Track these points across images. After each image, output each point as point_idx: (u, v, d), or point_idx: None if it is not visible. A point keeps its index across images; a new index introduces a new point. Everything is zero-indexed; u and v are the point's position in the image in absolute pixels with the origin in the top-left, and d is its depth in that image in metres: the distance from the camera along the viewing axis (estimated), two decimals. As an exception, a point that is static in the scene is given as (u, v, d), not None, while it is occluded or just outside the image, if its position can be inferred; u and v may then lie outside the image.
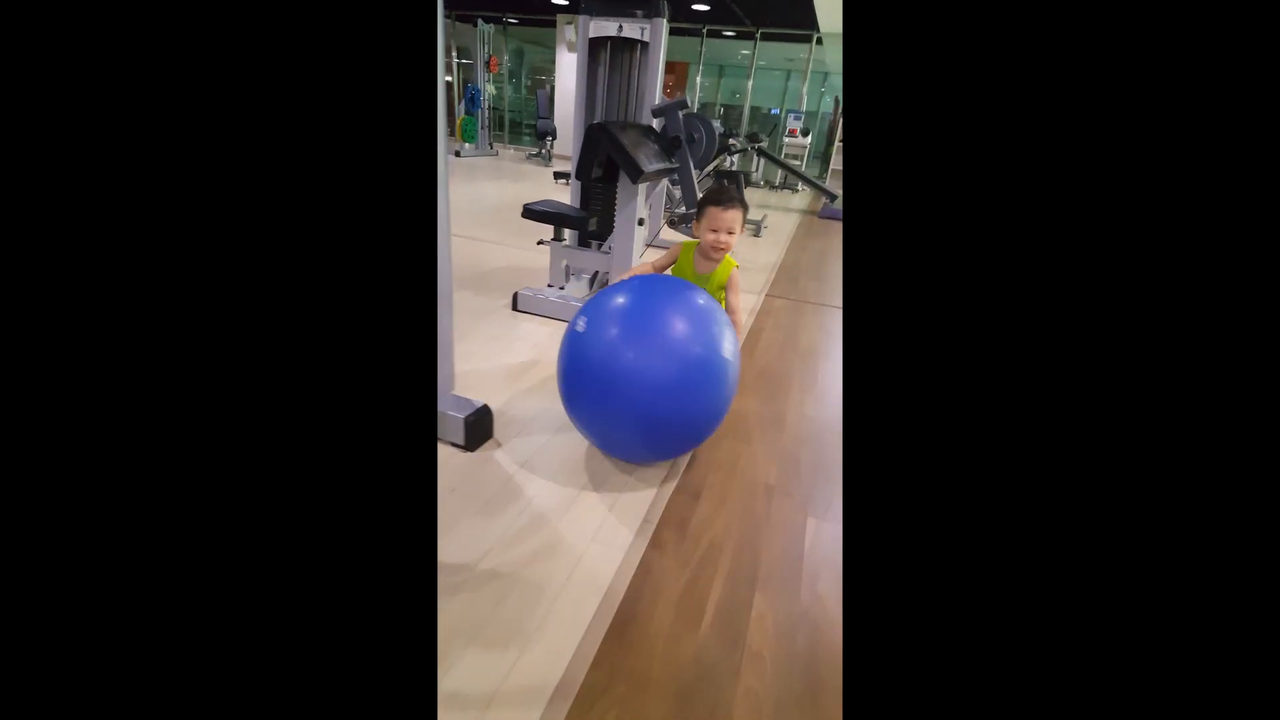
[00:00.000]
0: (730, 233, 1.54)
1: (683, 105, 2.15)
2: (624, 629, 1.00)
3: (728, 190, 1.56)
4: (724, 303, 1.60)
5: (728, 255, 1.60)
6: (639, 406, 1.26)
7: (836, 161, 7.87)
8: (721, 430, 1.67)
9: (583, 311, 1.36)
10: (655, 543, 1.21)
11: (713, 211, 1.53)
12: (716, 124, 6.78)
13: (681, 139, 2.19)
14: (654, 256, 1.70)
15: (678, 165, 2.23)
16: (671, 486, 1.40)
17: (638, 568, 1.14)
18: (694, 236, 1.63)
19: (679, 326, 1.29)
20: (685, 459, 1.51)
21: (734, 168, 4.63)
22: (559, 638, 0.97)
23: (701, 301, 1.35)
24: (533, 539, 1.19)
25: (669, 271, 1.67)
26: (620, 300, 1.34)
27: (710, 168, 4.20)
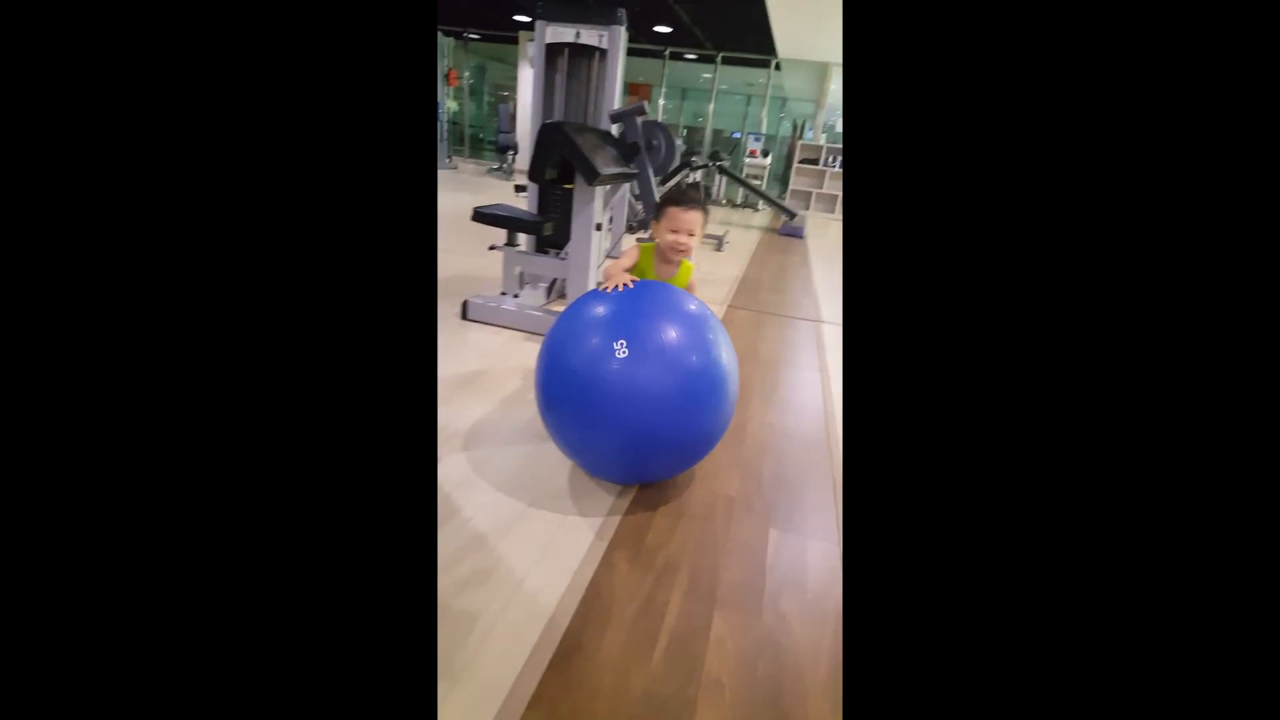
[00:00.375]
0: (690, 234, 1.47)
1: (641, 111, 2.10)
2: (567, 661, 0.89)
3: (689, 191, 1.50)
4: None
5: (686, 259, 1.54)
6: (633, 422, 1.16)
7: (796, 182, 8.03)
8: (680, 442, 1.58)
9: (574, 323, 1.25)
10: (606, 563, 1.11)
11: (674, 212, 1.46)
12: (679, 142, 6.80)
13: (640, 145, 2.14)
14: (608, 264, 1.61)
15: (637, 171, 2.17)
16: (627, 501, 1.30)
17: (586, 590, 1.03)
18: (653, 239, 1.56)
19: (673, 334, 1.19)
20: (641, 472, 1.42)
21: (696, 182, 4.64)
22: (492, 674, 0.86)
23: (693, 307, 1.28)
24: (467, 563, 1.07)
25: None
26: (606, 307, 1.24)
27: (673, 182, 4.19)
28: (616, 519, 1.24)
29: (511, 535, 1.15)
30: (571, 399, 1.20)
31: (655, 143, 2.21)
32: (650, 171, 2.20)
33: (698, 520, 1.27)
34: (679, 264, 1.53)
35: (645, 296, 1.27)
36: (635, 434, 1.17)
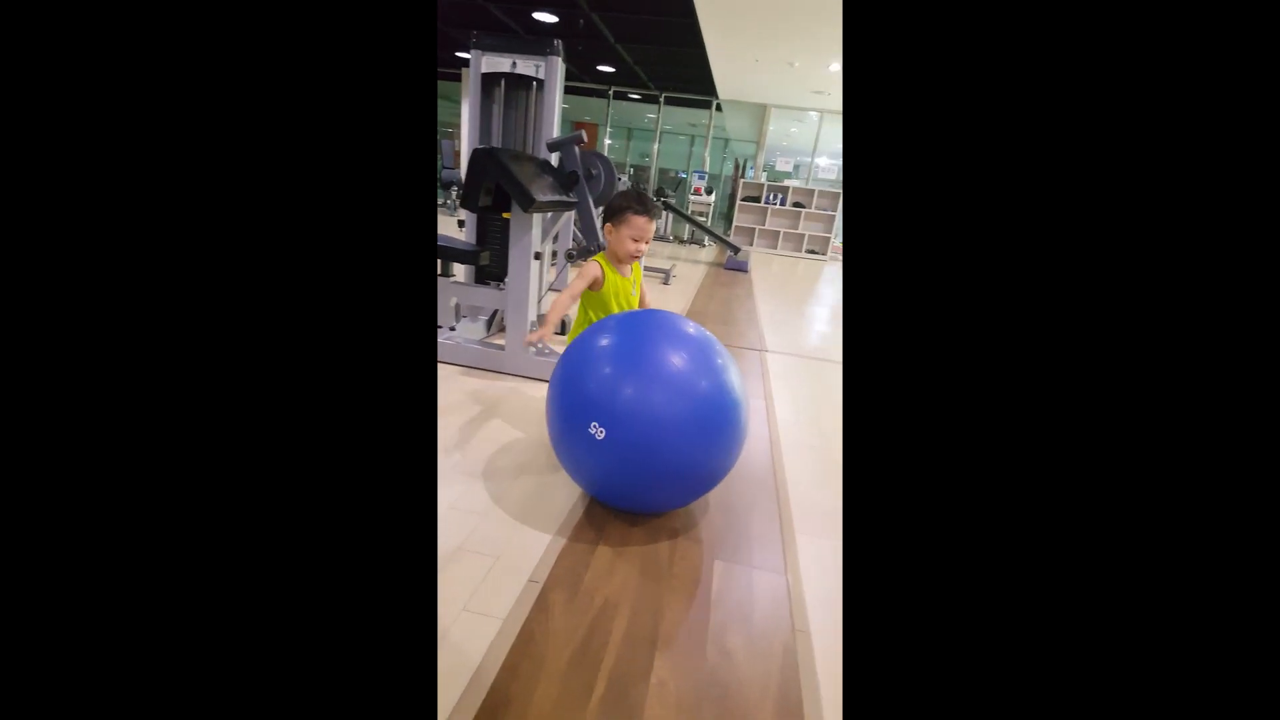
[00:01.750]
0: (647, 242, 1.55)
1: (579, 140, 2.10)
2: (495, 717, 0.80)
3: (648, 198, 1.53)
4: (639, 299, 1.66)
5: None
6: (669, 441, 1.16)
7: (740, 219, 8.27)
8: (623, 473, 1.53)
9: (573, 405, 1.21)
10: (541, 606, 1.03)
11: (637, 221, 1.49)
12: (625, 179, 6.87)
13: (579, 174, 2.13)
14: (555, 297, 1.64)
15: (576, 200, 2.16)
16: (565, 538, 1.23)
17: (517, 638, 0.95)
18: (602, 244, 1.63)
19: (691, 362, 1.21)
20: (582, 506, 1.35)
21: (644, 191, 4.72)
22: (404, 740, 0.76)
23: (691, 330, 1.30)
24: (385, 612, 0.97)
25: (594, 288, 1.61)
26: (628, 340, 1.25)
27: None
28: (552, 559, 1.16)
29: (436, 581, 1.06)
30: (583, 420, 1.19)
31: (595, 172, 2.21)
32: (590, 201, 2.19)
33: (639, 556, 1.20)
34: (631, 267, 1.61)
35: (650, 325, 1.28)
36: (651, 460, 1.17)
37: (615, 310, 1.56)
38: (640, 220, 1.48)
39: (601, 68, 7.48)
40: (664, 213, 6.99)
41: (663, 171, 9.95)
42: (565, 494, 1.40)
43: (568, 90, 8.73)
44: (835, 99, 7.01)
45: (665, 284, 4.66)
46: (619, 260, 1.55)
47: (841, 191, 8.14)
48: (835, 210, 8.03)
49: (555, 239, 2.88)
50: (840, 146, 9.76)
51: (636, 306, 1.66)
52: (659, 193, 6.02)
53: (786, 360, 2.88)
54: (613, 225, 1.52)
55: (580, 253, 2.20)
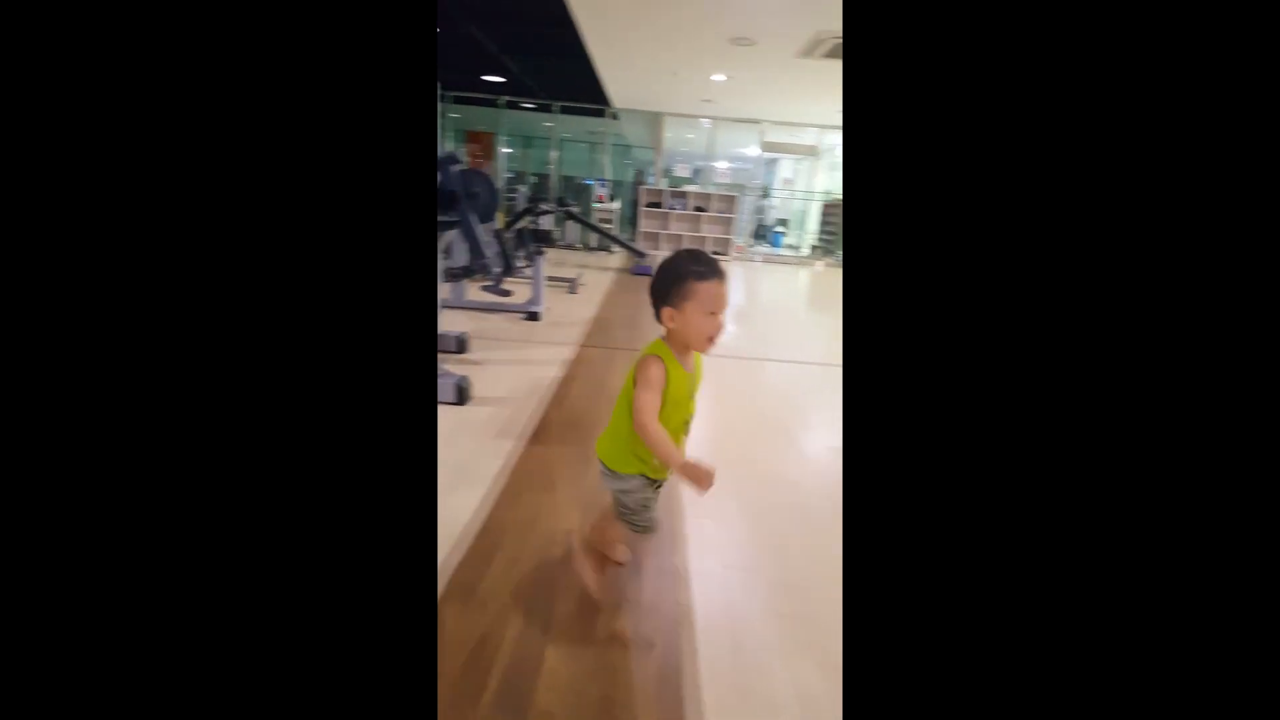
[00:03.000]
0: (724, 311, 1.05)
1: (454, 160, 2.12)
2: (386, 732, 0.83)
3: (705, 256, 1.05)
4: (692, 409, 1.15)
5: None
6: None
7: (645, 225, 8.45)
8: (522, 483, 1.57)
9: None
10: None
11: (705, 289, 1.00)
12: (523, 189, 6.81)
13: (459, 193, 2.15)
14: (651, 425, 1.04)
15: (457, 220, 2.17)
16: (461, 554, 1.26)
17: (410, 653, 0.98)
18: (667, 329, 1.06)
19: None
20: (480, 520, 1.38)
21: (540, 228, 4.72)
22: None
23: None
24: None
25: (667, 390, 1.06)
26: None
27: (516, 228, 4.23)
28: (447, 575, 1.19)
29: (326, 611, 1.06)
30: None
31: (475, 190, 2.23)
32: (474, 219, 2.21)
33: (534, 561, 1.26)
34: (693, 355, 1.11)
35: None
36: None
37: (675, 419, 1.09)
38: (710, 285, 1.00)
39: (489, 78, 7.43)
40: (568, 221, 7.03)
41: (567, 179, 9.98)
42: (462, 509, 1.43)
43: (459, 100, 8.58)
44: (723, 107, 7.34)
45: (572, 293, 4.72)
46: (684, 350, 1.07)
47: (738, 196, 8.51)
48: (734, 213, 8.38)
49: (447, 254, 2.86)
50: (735, 151, 10.20)
51: (693, 410, 1.16)
52: (560, 201, 6.06)
53: (686, 357, 3.01)
54: (673, 308, 1.02)
55: (464, 271, 2.22)
